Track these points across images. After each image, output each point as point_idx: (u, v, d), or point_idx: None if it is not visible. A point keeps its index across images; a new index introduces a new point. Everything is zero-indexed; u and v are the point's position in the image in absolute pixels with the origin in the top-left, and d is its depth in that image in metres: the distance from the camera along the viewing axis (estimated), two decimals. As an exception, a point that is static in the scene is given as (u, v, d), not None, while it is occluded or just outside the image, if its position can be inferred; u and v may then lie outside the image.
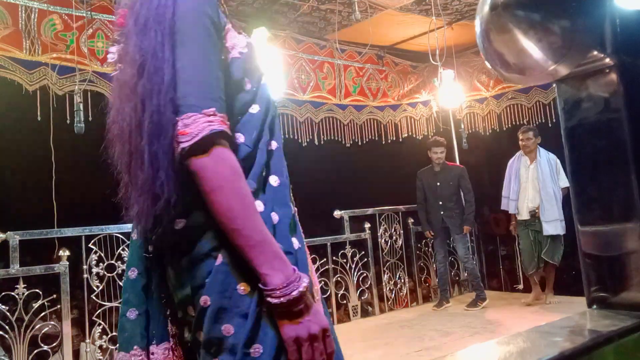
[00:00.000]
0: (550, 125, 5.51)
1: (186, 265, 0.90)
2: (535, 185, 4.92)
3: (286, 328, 0.85)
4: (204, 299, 0.88)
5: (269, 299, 0.85)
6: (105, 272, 3.82)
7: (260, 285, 0.86)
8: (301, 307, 0.86)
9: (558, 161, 4.88)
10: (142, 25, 0.92)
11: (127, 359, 0.97)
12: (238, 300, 0.87)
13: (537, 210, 4.90)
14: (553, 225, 4.83)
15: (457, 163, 6.11)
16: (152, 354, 0.96)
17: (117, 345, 1.02)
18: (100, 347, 3.83)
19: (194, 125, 0.86)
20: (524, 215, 5.03)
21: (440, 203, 5.28)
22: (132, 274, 1.01)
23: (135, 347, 0.97)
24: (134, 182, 0.93)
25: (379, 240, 5.56)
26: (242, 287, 0.87)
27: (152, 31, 0.91)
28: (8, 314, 3.46)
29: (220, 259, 0.88)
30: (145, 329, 0.97)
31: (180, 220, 0.91)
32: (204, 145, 0.86)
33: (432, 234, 5.36)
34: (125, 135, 0.94)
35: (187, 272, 0.90)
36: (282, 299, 0.84)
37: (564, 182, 4.85)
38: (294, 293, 0.85)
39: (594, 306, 1.07)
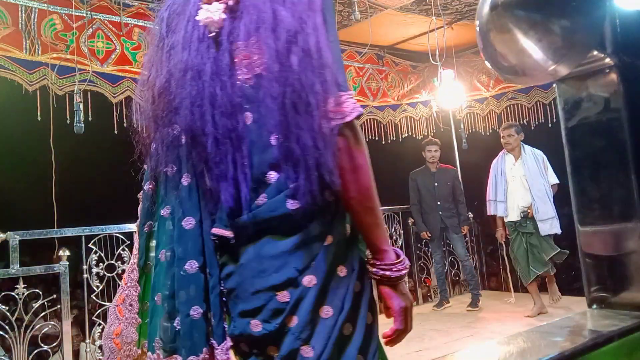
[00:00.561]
0: (550, 125, 5.51)
1: (289, 248, 0.87)
2: (524, 183, 4.63)
3: (396, 300, 0.94)
4: (309, 279, 0.87)
5: (387, 272, 0.93)
6: (105, 272, 3.81)
7: (375, 262, 0.94)
8: (404, 281, 0.96)
9: (545, 157, 4.68)
10: (276, 18, 0.87)
11: None
12: (339, 282, 0.90)
13: (529, 210, 4.59)
14: (549, 223, 4.54)
15: (451, 164, 6.10)
16: (215, 355, 0.90)
17: (170, 347, 0.91)
18: (100, 347, 3.83)
19: (347, 105, 0.87)
20: (514, 217, 4.70)
21: (439, 203, 5.26)
22: (191, 267, 0.90)
23: (204, 349, 0.89)
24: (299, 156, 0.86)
25: (379, 240, 5.55)
26: (341, 270, 0.90)
27: (300, 4, 0.88)
28: (8, 314, 3.46)
29: (329, 239, 0.90)
30: (206, 329, 0.91)
31: (294, 202, 0.87)
32: (353, 124, 0.88)
33: (429, 235, 5.35)
34: (268, 107, 0.86)
35: (287, 256, 0.87)
36: (400, 272, 0.93)
37: (554, 178, 4.65)
38: (407, 267, 0.95)
39: (594, 306, 1.07)
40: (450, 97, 5.55)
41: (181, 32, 0.93)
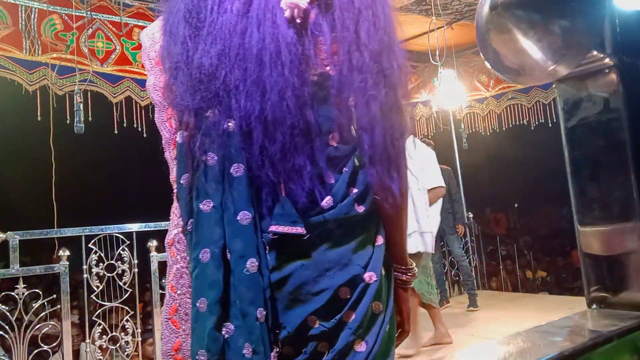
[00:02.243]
0: (550, 125, 5.51)
1: (353, 247, 0.87)
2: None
3: (406, 303, 1.00)
4: (369, 275, 0.88)
5: (407, 276, 0.98)
6: (105, 272, 3.81)
7: (397, 265, 0.97)
8: None
9: (424, 154, 3.84)
10: (375, 2, 0.88)
11: None
12: (383, 280, 0.92)
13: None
14: (413, 239, 3.49)
15: (451, 164, 6.09)
16: None
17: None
18: (100, 347, 3.83)
19: (409, 121, 0.93)
20: None
21: None
22: (252, 266, 0.82)
23: (271, 355, 0.83)
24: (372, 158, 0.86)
25: (379, 240, 5.56)
26: (383, 269, 0.92)
27: (386, 14, 0.90)
28: (8, 314, 3.46)
29: (380, 240, 0.92)
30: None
31: (361, 206, 0.88)
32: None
33: None
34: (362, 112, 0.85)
35: (350, 254, 0.87)
36: (413, 277, 0.99)
37: (431, 181, 3.78)
38: (416, 273, 1.01)
39: (594, 306, 1.07)
40: (450, 97, 5.54)
41: (238, 13, 0.84)
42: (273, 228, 0.83)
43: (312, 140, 0.84)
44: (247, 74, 0.82)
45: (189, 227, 0.89)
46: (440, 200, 4.12)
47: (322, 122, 0.85)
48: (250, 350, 0.80)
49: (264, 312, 0.82)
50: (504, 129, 6.07)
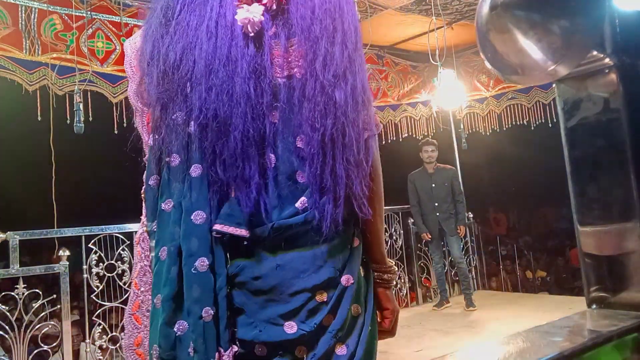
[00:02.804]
0: (550, 125, 5.51)
1: (327, 249, 0.88)
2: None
3: (391, 302, 1.01)
4: (347, 278, 0.89)
5: (388, 275, 1.00)
6: (105, 272, 3.81)
7: (377, 265, 0.99)
8: None
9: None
10: (337, 31, 0.91)
11: None
12: (362, 281, 0.93)
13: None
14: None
15: (451, 164, 6.10)
16: None
17: (168, 355, 0.84)
18: (100, 347, 3.83)
19: (376, 119, 0.98)
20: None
21: (436, 205, 5.24)
22: (202, 265, 0.83)
23: (216, 355, 0.84)
24: (328, 160, 0.87)
25: (379, 240, 5.55)
26: (361, 270, 0.94)
27: (349, 43, 0.92)
28: (8, 314, 3.46)
29: (357, 242, 0.94)
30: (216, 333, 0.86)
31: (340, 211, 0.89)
32: (376, 137, 0.98)
33: (429, 236, 5.33)
34: (321, 129, 0.87)
35: (325, 257, 0.88)
36: (394, 275, 1.01)
37: None
38: (396, 272, 1.04)
39: (594, 306, 1.07)
40: (450, 97, 5.54)
41: (201, 17, 0.89)
42: (217, 227, 0.84)
43: (265, 146, 0.86)
44: (204, 77, 0.85)
45: (153, 227, 0.91)
46: None
47: (279, 125, 0.87)
48: (192, 348, 0.81)
49: (212, 312, 0.82)
50: (504, 129, 6.07)
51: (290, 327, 0.85)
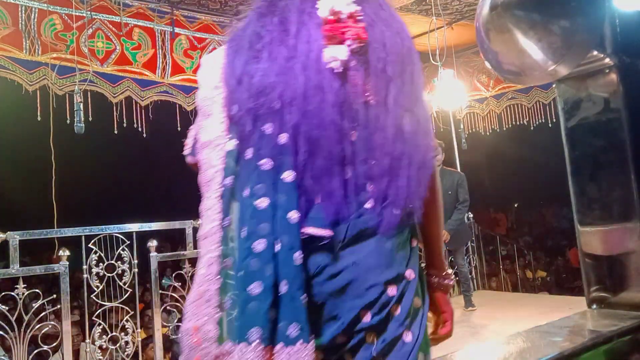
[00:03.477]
0: (550, 125, 5.51)
1: (394, 247, 1.03)
2: None
3: (449, 305, 1.15)
4: (409, 273, 1.04)
5: (447, 280, 1.15)
6: (105, 272, 3.81)
7: (437, 271, 1.15)
8: None
9: None
10: (406, 71, 1.09)
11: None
12: (422, 276, 1.09)
13: None
14: None
15: (451, 165, 6.09)
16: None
17: (268, 336, 0.95)
18: (100, 347, 3.83)
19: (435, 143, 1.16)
20: None
21: None
22: (299, 258, 0.97)
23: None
24: (398, 174, 1.04)
25: (379, 240, 5.54)
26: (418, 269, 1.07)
27: (415, 81, 1.10)
28: (8, 314, 3.46)
29: (415, 243, 1.08)
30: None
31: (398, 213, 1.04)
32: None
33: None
34: (392, 150, 1.04)
35: (393, 254, 1.03)
36: (451, 281, 1.15)
37: None
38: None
39: (594, 306, 1.07)
40: (450, 97, 5.54)
41: (293, 51, 1.05)
42: (309, 230, 0.98)
43: (345, 160, 1.02)
44: (297, 102, 1.01)
45: (225, 223, 1.02)
46: None
47: (358, 143, 1.03)
48: (297, 329, 0.93)
49: (306, 300, 0.95)
50: (504, 129, 6.07)
51: (366, 317, 0.98)
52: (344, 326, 0.98)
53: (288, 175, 0.99)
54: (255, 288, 0.95)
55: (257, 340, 0.93)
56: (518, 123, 5.89)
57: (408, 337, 1.01)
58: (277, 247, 0.96)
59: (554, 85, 1.12)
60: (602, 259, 1.07)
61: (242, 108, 1.03)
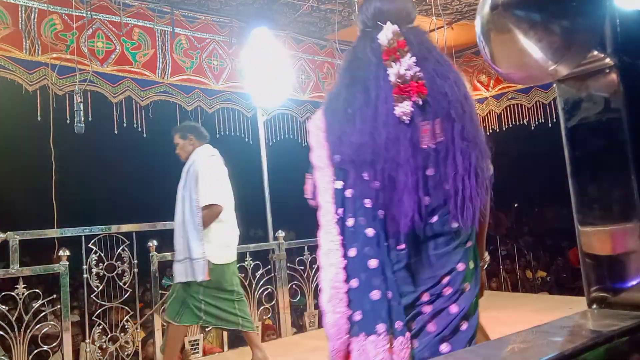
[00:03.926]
0: (550, 125, 5.51)
1: (454, 247, 1.42)
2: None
3: (482, 279, 1.58)
4: (460, 266, 1.42)
5: (481, 264, 1.59)
6: (105, 272, 3.81)
7: (487, 259, 1.74)
8: None
9: (201, 165, 3.36)
10: (466, 112, 1.42)
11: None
12: (471, 267, 1.45)
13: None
14: (183, 267, 3.28)
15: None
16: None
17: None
18: (100, 347, 3.83)
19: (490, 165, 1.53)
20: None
21: None
22: (401, 267, 1.41)
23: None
24: (465, 194, 1.39)
25: (379, 240, 5.55)
26: (471, 263, 1.46)
27: (474, 119, 1.44)
28: (8, 314, 3.46)
29: (469, 244, 1.46)
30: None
31: (457, 224, 1.42)
32: None
33: None
34: (462, 170, 1.40)
35: (452, 252, 1.42)
36: (485, 263, 1.68)
37: (204, 198, 3.30)
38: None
39: (594, 306, 1.07)
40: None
41: (375, 112, 1.41)
42: (400, 247, 1.41)
43: (419, 189, 1.38)
44: (382, 152, 1.38)
45: (342, 242, 1.43)
46: (223, 223, 3.41)
47: (433, 176, 1.40)
48: (402, 325, 1.36)
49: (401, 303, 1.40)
50: (503, 129, 6.06)
51: (425, 297, 1.40)
52: (408, 302, 1.39)
53: (380, 213, 1.39)
54: (376, 295, 1.35)
55: (384, 332, 1.33)
56: (518, 123, 5.88)
57: (454, 308, 1.39)
58: (385, 267, 1.38)
59: (554, 85, 1.12)
60: (602, 259, 1.07)
61: (344, 159, 1.43)
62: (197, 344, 4.30)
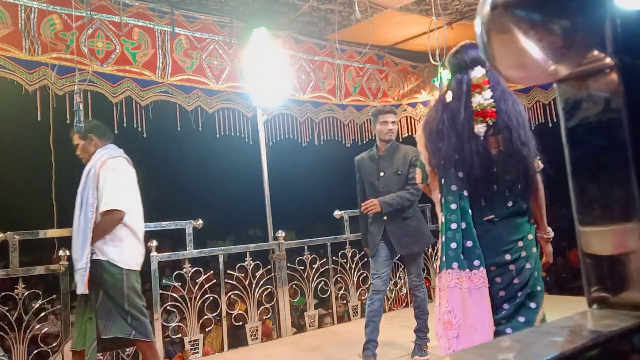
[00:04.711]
0: (550, 125, 5.51)
1: (522, 222, 2.23)
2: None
3: (548, 247, 2.39)
4: (529, 235, 2.25)
5: (545, 236, 2.37)
6: (105, 272, 3.80)
7: (543, 233, 2.35)
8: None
9: (102, 167, 3.11)
10: (520, 124, 2.20)
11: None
12: (531, 238, 2.25)
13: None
14: (79, 276, 2.99)
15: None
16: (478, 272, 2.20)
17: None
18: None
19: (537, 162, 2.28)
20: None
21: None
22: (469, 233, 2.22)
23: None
24: (520, 182, 2.22)
25: (379, 240, 5.55)
26: (529, 235, 2.25)
27: (526, 128, 2.23)
28: (8, 314, 3.46)
29: (532, 220, 2.29)
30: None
31: (524, 204, 2.27)
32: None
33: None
34: (516, 164, 2.19)
35: (521, 225, 2.23)
36: (549, 235, 2.36)
37: (104, 203, 3.03)
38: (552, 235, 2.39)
39: (594, 306, 1.07)
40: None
41: (457, 132, 2.21)
42: (487, 219, 2.22)
43: (491, 182, 2.20)
44: (467, 158, 2.17)
45: (452, 206, 2.26)
46: (131, 231, 3.11)
47: (497, 173, 2.20)
48: (479, 262, 2.17)
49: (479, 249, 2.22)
50: (504, 129, 6.05)
51: (507, 256, 2.19)
52: (493, 261, 2.18)
53: (465, 193, 2.22)
54: (454, 245, 2.17)
55: (457, 267, 2.16)
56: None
57: (528, 265, 2.20)
58: (463, 225, 2.18)
59: (554, 85, 1.12)
60: (602, 259, 1.07)
61: (439, 164, 2.27)
62: (197, 344, 4.30)
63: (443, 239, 2.20)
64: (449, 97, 2.27)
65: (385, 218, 3.64)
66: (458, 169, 2.18)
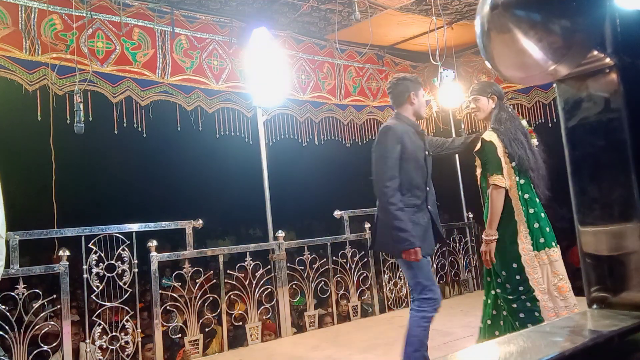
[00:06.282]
0: (550, 125, 5.51)
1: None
2: None
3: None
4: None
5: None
6: (105, 272, 3.81)
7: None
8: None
9: None
10: (529, 138, 3.31)
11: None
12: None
13: None
14: None
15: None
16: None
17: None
18: (100, 347, 3.83)
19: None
20: None
21: (428, 189, 3.16)
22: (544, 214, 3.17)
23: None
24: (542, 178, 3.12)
25: (379, 240, 5.54)
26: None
27: (530, 140, 3.29)
28: (8, 314, 3.46)
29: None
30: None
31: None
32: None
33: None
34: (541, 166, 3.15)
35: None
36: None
37: None
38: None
39: (594, 306, 1.07)
40: (450, 97, 5.54)
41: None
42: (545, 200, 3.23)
43: (540, 174, 3.15)
44: (532, 161, 3.10)
45: (525, 196, 3.18)
46: None
47: (542, 169, 3.17)
48: (554, 243, 3.30)
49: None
50: (504, 128, 6.05)
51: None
52: (550, 237, 3.15)
53: (534, 182, 3.14)
54: (547, 229, 3.13)
55: (554, 245, 3.18)
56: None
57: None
58: (542, 215, 3.12)
59: (554, 85, 1.12)
60: (602, 259, 1.07)
61: (518, 162, 3.04)
62: (197, 344, 4.30)
63: (536, 225, 3.05)
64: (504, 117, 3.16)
65: (429, 207, 3.11)
66: (529, 169, 3.07)
